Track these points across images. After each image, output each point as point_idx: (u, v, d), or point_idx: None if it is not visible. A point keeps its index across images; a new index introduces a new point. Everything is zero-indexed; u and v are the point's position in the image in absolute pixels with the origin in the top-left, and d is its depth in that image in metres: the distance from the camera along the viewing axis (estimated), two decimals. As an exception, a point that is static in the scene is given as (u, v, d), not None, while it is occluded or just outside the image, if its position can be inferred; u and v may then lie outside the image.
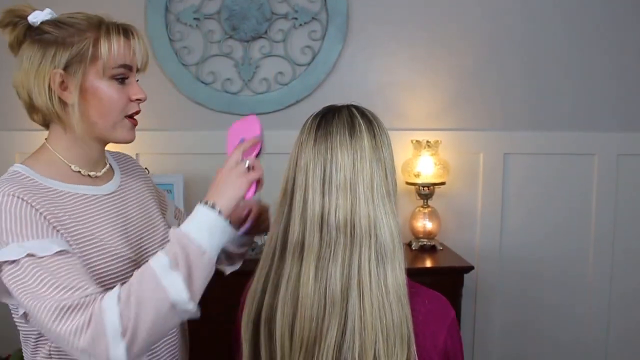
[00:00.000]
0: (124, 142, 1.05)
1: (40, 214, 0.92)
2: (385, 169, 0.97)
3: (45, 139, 1.05)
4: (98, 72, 0.98)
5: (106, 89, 0.99)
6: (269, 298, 0.97)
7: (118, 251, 1.01)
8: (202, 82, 2.28)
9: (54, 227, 0.93)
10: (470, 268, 2.08)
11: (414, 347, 0.93)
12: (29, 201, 0.92)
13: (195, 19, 2.24)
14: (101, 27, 0.99)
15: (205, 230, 0.90)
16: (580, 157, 2.40)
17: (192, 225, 0.91)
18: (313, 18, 2.27)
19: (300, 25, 2.27)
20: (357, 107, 1.02)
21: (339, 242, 0.93)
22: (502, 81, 2.35)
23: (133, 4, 2.21)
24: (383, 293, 0.92)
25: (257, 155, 1.04)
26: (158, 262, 0.87)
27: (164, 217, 1.21)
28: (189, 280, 0.86)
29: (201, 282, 0.89)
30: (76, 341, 0.82)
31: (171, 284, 0.85)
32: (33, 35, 0.99)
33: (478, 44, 2.33)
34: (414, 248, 2.22)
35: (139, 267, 0.99)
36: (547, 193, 2.40)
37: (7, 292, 0.91)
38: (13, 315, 1.00)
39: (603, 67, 2.37)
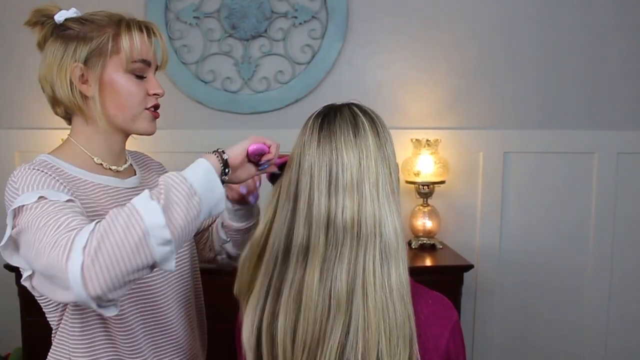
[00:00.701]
0: (145, 134, 1.08)
1: (57, 180, 0.95)
2: (390, 166, 0.97)
3: (69, 134, 1.08)
4: (117, 66, 1.01)
5: (124, 82, 1.01)
6: (270, 303, 0.96)
7: None
8: (202, 81, 2.28)
9: (66, 188, 0.96)
10: (470, 266, 2.08)
11: (416, 347, 0.92)
12: (49, 173, 0.95)
13: (195, 17, 2.24)
14: (121, 23, 1.02)
15: (201, 173, 0.88)
16: (580, 156, 2.40)
17: (189, 168, 0.89)
18: (313, 17, 2.27)
19: (300, 23, 2.27)
20: (357, 106, 1.01)
21: (345, 243, 0.92)
22: (502, 80, 2.35)
23: (133, 2, 2.21)
24: (387, 292, 0.92)
25: (279, 169, 1.08)
26: (139, 196, 0.83)
27: None
28: (167, 210, 0.81)
29: (182, 218, 0.83)
30: (61, 256, 0.79)
31: (146, 209, 0.80)
32: (57, 32, 1.02)
33: (478, 43, 2.33)
34: (413, 247, 2.22)
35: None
36: (547, 191, 2.40)
37: (16, 252, 0.93)
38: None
39: (603, 66, 2.37)
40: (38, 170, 0.96)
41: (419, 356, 0.93)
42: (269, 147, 1.09)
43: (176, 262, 1.07)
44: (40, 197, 0.90)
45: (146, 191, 0.84)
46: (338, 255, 0.92)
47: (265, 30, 2.26)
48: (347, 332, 0.91)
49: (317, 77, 2.29)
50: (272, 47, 2.28)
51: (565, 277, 2.43)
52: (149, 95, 1.05)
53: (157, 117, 1.09)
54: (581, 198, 2.41)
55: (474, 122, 2.36)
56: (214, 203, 0.90)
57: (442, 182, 2.23)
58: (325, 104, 1.04)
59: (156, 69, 1.08)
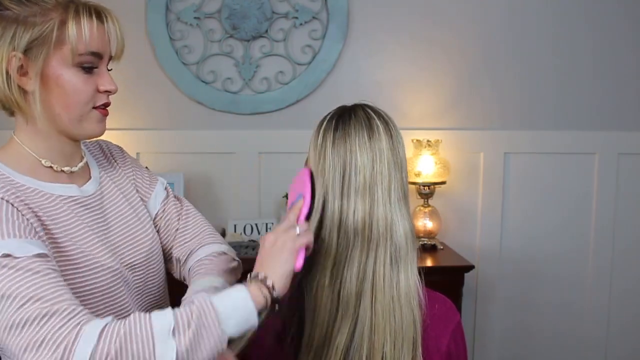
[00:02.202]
0: (92, 137, 0.94)
1: (19, 211, 0.82)
2: (402, 170, 0.97)
3: (14, 132, 0.93)
4: (63, 58, 0.86)
5: (71, 77, 0.87)
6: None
7: (100, 261, 0.90)
8: (203, 82, 2.28)
9: (34, 228, 0.82)
10: (470, 267, 2.08)
11: (420, 351, 0.92)
12: (5, 198, 0.82)
13: (195, 18, 2.24)
14: (69, 7, 0.86)
15: (240, 317, 0.77)
16: (581, 156, 2.40)
17: (230, 303, 0.78)
18: (313, 17, 2.27)
19: (301, 24, 2.27)
20: (370, 107, 1.00)
21: (356, 245, 0.92)
22: (503, 80, 2.35)
23: (133, 3, 2.21)
24: (395, 296, 0.92)
25: (308, 215, 0.94)
26: (160, 320, 0.74)
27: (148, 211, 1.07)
28: (186, 355, 0.73)
29: None
30: (30, 355, 0.71)
31: (164, 353, 0.72)
32: None
33: (479, 43, 2.33)
34: (414, 247, 2.21)
35: (122, 278, 0.91)
36: (548, 192, 2.40)
37: None
38: None
39: (603, 66, 2.37)
40: None
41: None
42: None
43: (150, 285, 1.00)
44: (5, 255, 0.76)
45: (170, 318, 0.74)
46: (348, 258, 0.93)
47: (266, 31, 2.26)
48: (353, 334, 0.92)
49: (317, 77, 2.29)
50: (273, 48, 2.28)
51: (566, 277, 2.43)
52: (99, 92, 0.91)
53: (107, 116, 0.94)
54: (582, 198, 2.41)
55: (474, 122, 2.36)
56: (238, 343, 0.83)
57: (443, 183, 2.23)
58: (338, 106, 1.02)
59: (109, 60, 0.93)
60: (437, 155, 2.22)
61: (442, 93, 2.34)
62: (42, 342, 0.71)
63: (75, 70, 0.87)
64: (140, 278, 0.99)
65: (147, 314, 0.75)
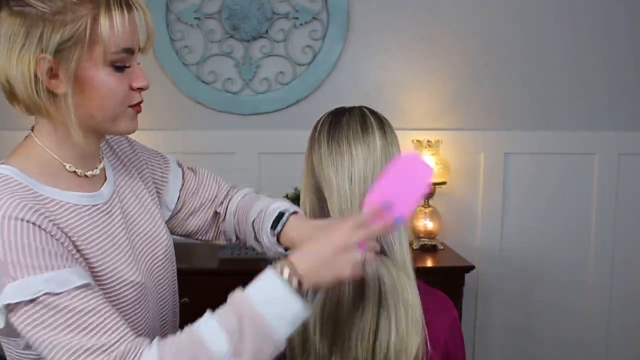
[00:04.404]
0: (126, 134, 0.90)
1: (52, 236, 0.76)
2: None
3: (31, 129, 0.87)
4: (95, 57, 0.79)
5: (105, 78, 0.81)
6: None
7: (127, 278, 0.87)
8: (203, 82, 2.28)
9: (70, 252, 0.78)
10: (471, 267, 2.08)
11: (425, 333, 0.94)
12: (37, 222, 0.75)
13: (195, 18, 2.24)
14: (100, 1, 0.79)
15: (289, 318, 0.77)
16: (581, 157, 2.39)
17: (276, 309, 0.76)
18: (314, 18, 2.27)
19: (301, 24, 2.27)
20: (368, 108, 1.03)
21: None
22: (503, 81, 2.35)
23: (134, 4, 2.21)
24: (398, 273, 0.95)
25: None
26: (218, 346, 0.73)
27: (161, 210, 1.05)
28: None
29: None
30: None
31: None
32: (12, 4, 0.78)
33: (479, 44, 2.33)
34: (415, 247, 2.21)
35: (145, 290, 0.90)
36: (548, 192, 2.40)
37: (15, 332, 0.77)
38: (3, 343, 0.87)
39: (604, 66, 2.37)
40: (19, 220, 0.74)
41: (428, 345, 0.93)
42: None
43: (160, 292, 0.99)
44: (45, 294, 0.72)
45: (226, 343, 0.73)
46: None
47: (266, 31, 2.26)
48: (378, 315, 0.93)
49: (318, 78, 2.28)
50: (273, 48, 2.28)
51: (567, 277, 2.43)
52: (133, 90, 0.85)
53: (140, 112, 0.89)
54: (582, 199, 2.41)
55: (475, 123, 2.36)
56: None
57: (443, 183, 2.23)
58: (331, 106, 1.06)
59: (138, 52, 0.87)
60: (437, 156, 2.22)
61: (443, 93, 2.34)
62: None
63: (108, 69, 0.81)
64: (161, 277, 0.98)
65: (197, 337, 0.74)
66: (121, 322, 0.76)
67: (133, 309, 0.88)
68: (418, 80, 2.33)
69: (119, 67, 0.82)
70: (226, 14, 2.24)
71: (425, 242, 2.22)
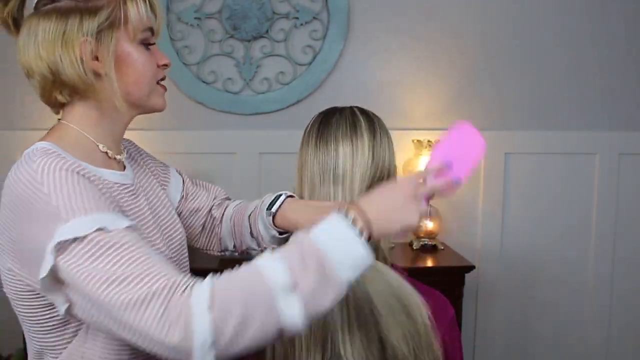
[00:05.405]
0: (159, 110, 0.96)
1: (98, 188, 0.80)
2: (379, 170, 1.00)
3: (59, 119, 0.93)
4: (128, 37, 0.88)
5: (138, 55, 0.89)
6: None
7: (161, 250, 0.92)
8: (203, 82, 2.28)
9: (112, 202, 0.82)
10: (471, 267, 2.08)
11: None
12: (82, 174, 0.79)
13: (196, 18, 2.24)
14: None
15: (353, 261, 0.75)
16: (582, 157, 2.39)
17: (340, 250, 0.74)
18: (314, 17, 2.27)
19: (302, 24, 2.27)
20: (360, 108, 1.04)
21: None
22: (503, 80, 2.35)
23: (134, 4, 2.21)
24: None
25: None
26: (277, 278, 0.71)
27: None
28: (308, 308, 0.72)
29: (321, 313, 0.74)
30: (168, 335, 0.68)
31: (288, 308, 0.71)
32: (40, 6, 0.87)
33: (480, 43, 2.33)
34: (415, 248, 2.21)
35: (173, 262, 0.93)
36: (548, 192, 2.40)
37: (56, 286, 0.77)
38: (24, 318, 0.88)
39: (604, 66, 2.37)
40: (69, 171, 0.78)
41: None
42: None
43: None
44: (98, 230, 0.74)
45: (285, 274, 0.71)
46: None
47: (267, 31, 2.26)
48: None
49: (318, 77, 2.29)
50: (274, 48, 2.28)
51: (567, 277, 2.43)
52: (158, 67, 0.94)
53: (166, 91, 0.97)
54: (582, 199, 2.41)
55: (475, 123, 2.30)
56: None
57: (444, 183, 2.22)
58: (331, 106, 1.06)
59: None
60: (437, 156, 2.22)
61: (443, 93, 2.34)
62: (149, 327, 0.69)
63: (140, 47, 0.89)
64: (178, 263, 1.02)
65: (255, 269, 0.73)
66: (170, 262, 0.77)
67: None
68: (418, 80, 2.33)
69: (147, 46, 0.91)
70: (227, 13, 2.24)
71: (425, 242, 2.22)
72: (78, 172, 0.79)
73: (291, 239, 0.78)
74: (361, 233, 0.76)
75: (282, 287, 0.71)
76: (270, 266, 0.73)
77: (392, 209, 0.80)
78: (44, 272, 0.74)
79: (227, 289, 0.71)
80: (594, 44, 2.36)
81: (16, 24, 0.90)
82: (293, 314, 0.71)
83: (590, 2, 2.34)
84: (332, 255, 0.73)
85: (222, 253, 1.19)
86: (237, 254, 1.20)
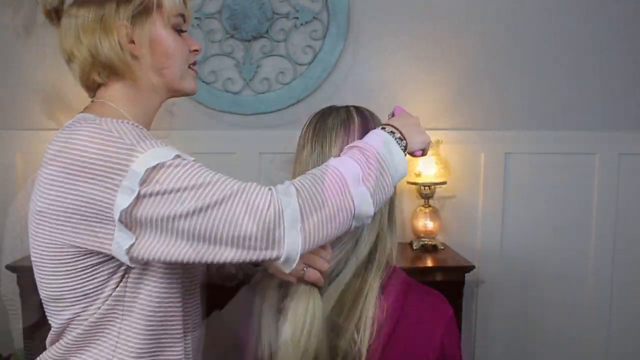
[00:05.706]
0: (191, 93, 1.02)
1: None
2: None
3: (92, 100, 0.98)
4: (162, 21, 0.95)
5: (171, 39, 0.95)
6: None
7: None
8: (203, 82, 2.28)
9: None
10: (471, 267, 2.08)
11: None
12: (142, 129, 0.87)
13: (196, 18, 2.24)
14: None
15: (398, 162, 0.92)
16: (582, 156, 2.40)
17: (388, 151, 0.91)
18: (314, 17, 2.27)
19: (302, 24, 2.27)
20: (356, 107, 1.05)
21: None
22: (503, 80, 2.35)
23: (134, 4, 2.21)
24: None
25: None
26: (351, 168, 0.86)
27: None
28: (374, 198, 0.86)
29: (379, 207, 0.89)
30: (269, 211, 0.79)
31: (360, 195, 0.84)
32: None
33: (480, 43, 2.33)
34: (415, 247, 2.22)
35: None
36: (548, 192, 2.40)
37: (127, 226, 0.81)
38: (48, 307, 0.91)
39: (604, 66, 2.37)
40: (129, 124, 0.85)
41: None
42: None
43: None
44: (177, 157, 0.83)
45: (357, 167, 0.86)
46: None
47: (267, 31, 2.26)
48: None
49: (318, 77, 2.29)
50: (274, 48, 2.28)
51: (567, 277, 2.43)
52: (190, 51, 1.00)
53: (196, 76, 1.03)
54: (582, 199, 2.41)
55: (475, 122, 2.36)
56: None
57: (444, 183, 2.23)
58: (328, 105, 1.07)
59: None
60: (437, 156, 2.23)
61: (443, 93, 2.34)
62: (246, 209, 0.79)
63: (173, 32, 0.96)
64: None
65: (328, 164, 0.87)
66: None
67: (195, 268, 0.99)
68: (418, 79, 2.33)
69: (178, 31, 0.97)
70: (227, 13, 2.24)
71: (426, 242, 2.22)
72: (137, 126, 0.86)
73: (345, 149, 0.93)
74: (400, 141, 0.94)
75: (356, 178, 0.84)
76: (341, 161, 0.87)
77: (413, 128, 1.00)
78: (125, 203, 0.79)
79: (307, 181, 0.83)
80: (594, 44, 2.36)
81: (58, 14, 0.96)
82: (365, 200, 0.85)
83: (590, 2, 2.34)
84: (386, 156, 0.89)
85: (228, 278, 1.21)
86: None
